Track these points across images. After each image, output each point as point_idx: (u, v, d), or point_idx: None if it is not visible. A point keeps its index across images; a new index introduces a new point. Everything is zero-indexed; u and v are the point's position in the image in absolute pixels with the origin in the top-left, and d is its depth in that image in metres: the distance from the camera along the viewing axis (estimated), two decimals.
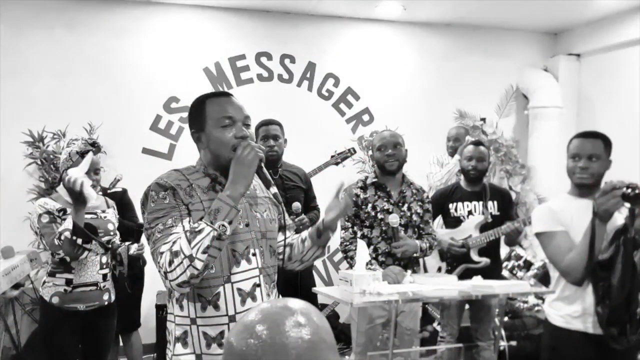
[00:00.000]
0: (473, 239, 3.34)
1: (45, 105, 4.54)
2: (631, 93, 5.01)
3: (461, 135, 4.31)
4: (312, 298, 3.23)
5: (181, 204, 1.61)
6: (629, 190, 1.94)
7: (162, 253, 1.55)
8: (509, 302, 4.21)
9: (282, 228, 1.85)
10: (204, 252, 1.50)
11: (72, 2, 4.63)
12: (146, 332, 4.00)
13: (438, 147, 4.57)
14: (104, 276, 2.84)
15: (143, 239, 2.55)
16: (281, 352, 0.80)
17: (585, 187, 2.27)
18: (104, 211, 2.91)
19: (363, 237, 3.00)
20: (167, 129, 4.87)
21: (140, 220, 2.55)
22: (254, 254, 1.70)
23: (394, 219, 2.93)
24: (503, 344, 3.89)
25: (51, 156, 4.39)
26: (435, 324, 4.15)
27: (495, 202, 3.46)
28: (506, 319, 4.13)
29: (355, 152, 4.39)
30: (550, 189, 5.15)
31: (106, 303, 2.85)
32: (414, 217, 3.07)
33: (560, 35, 5.85)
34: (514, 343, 3.93)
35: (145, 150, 4.81)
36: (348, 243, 3.00)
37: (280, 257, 1.86)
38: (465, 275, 3.12)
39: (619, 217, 2.13)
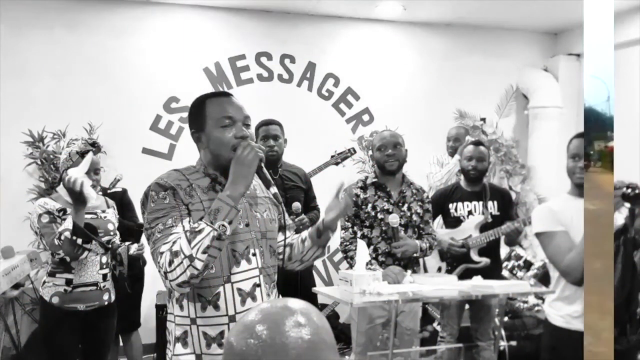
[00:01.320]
0: (473, 239, 3.34)
1: (45, 105, 4.54)
2: (631, 93, 5.01)
3: (461, 135, 4.31)
4: (312, 298, 3.22)
5: (181, 204, 1.61)
6: (629, 190, 1.94)
7: (162, 253, 1.55)
8: (509, 302, 4.21)
9: (282, 228, 1.84)
10: (204, 252, 1.50)
11: (72, 2, 4.62)
12: (146, 332, 3.99)
13: (438, 147, 4.57)
14: (104, 276, 2.83)
15: (143, 239, 2.55)
16: (281, 352, 0.80)
17: None
18: (104, 211, 2.91)
19: (363, 237, 2.99)
20: (167, 129, 4.87)
21: (140, 220, 2.55)
22: (254, 254, 1.70)
23: (394, 219, 2.93)
24: (503, 344, 3.89)
25: (51, 156, 4.39)
26: (435, 324, 4.14)
27: (495, 202, 3.45)
28: (506, 319, 4.13)
29: (355, 152, 4.39)
30: (550, 189, 5.14)
31: (106, 303, 2.84)
32: (414, 217, 3.07)
33: (560, 35, 5.84)
34: (514, 343, 3.93)
35: (145, 150, 4.80)
36: (348, 243, 2.99)
37: (280, 257, 1.86)
38: (465, 275, 3.12)
39: (619, 217, 2.12)
